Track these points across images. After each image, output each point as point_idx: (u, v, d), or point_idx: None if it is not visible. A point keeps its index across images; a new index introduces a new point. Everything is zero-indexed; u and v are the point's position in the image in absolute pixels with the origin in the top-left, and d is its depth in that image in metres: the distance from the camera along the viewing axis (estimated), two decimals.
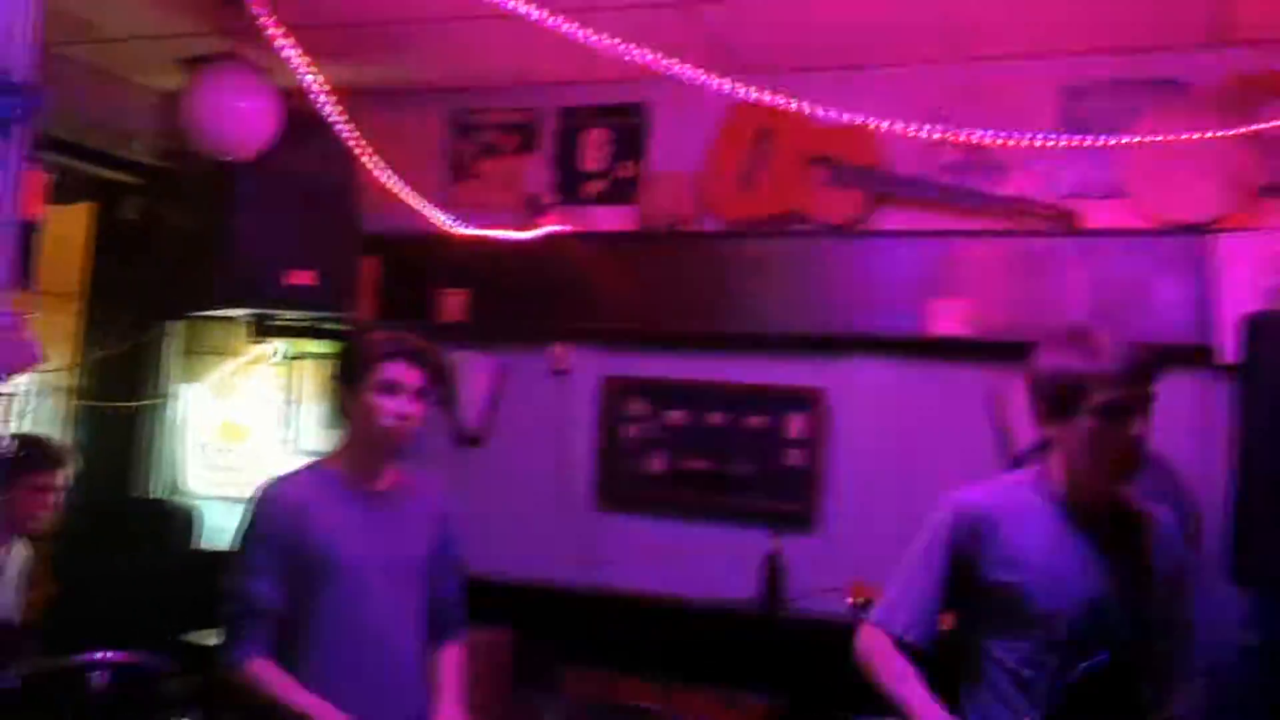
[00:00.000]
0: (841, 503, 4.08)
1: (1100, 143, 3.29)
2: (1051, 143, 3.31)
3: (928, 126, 3.11)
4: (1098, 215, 3.79)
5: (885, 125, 3.13)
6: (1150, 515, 2.34)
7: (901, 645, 2.27)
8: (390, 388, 2.54)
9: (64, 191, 4.55)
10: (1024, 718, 2.19)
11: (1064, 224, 3.79)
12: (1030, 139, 3.28)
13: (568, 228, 4.42)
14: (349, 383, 2.60)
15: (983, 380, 3.88)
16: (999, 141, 3.27)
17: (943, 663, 2.30)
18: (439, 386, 2.66)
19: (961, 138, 3.23)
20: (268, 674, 2.46)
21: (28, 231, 2.17)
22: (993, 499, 2.32)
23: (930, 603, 2.28)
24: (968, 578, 2.27)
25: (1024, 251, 3.84)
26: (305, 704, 2.42)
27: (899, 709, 2.23)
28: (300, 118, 3.96)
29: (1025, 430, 3.76)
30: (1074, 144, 3.27)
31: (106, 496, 4.80)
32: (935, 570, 2.29)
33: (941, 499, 2.37)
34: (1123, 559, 2.26)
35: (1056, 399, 2.25)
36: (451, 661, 2.71)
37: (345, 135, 3.94)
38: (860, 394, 4.08)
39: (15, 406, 4.46)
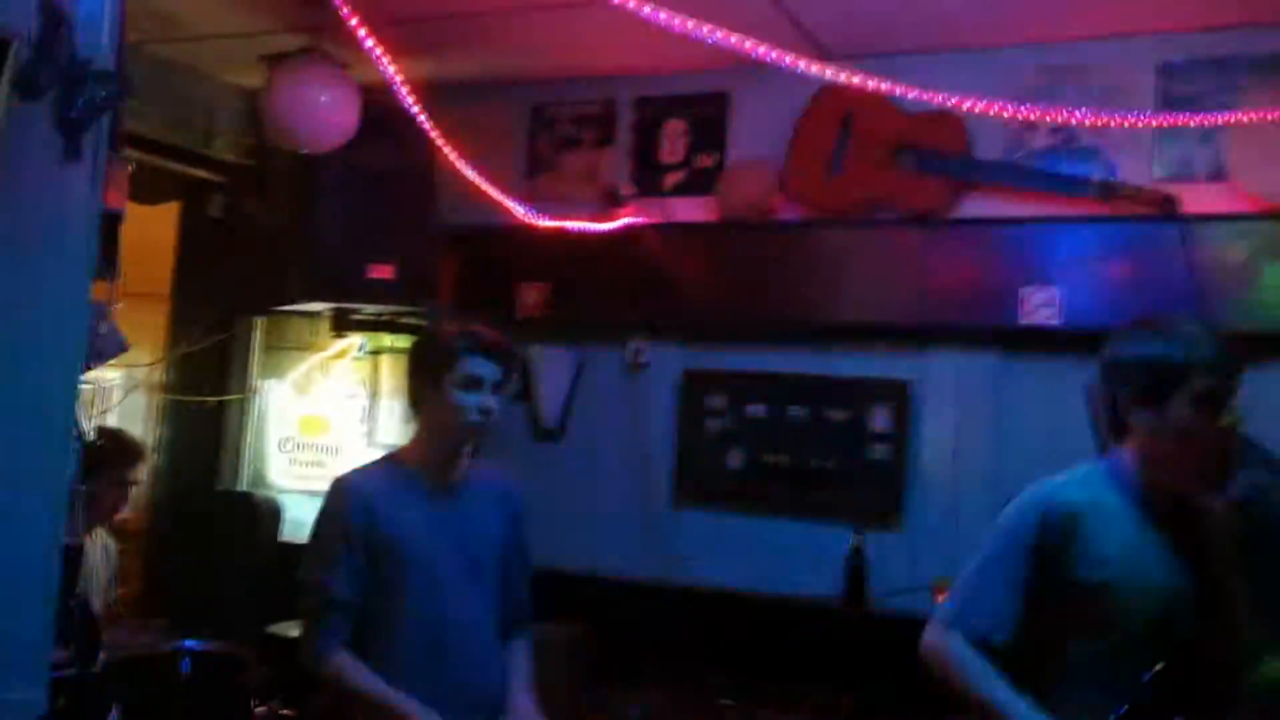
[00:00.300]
0: (928, 499, 3.98)
1: (1200, 122, 3.16)
2: (1148, 123, 3.18)
3: (1021, 106, 3.00)
4: (1198, 199, 3.63)
5: (977, 106, 3.03)
6: (1207, 507, 2.28)
7: (978, 646, 2.20)
8: (470, 383, 2.52)
9: (152, 190, 4.63)
10: (1110, 716, 2.12)
11: (1163, 209, 3.64)
12: (1126, 119, 3.15)
13: (647, 220, 4.38)
14: (426, 379, 2.58)
15: (1076, 372, 3.75)
16: (1093, 122, 3.15)
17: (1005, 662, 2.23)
18: (515, 377, 2.64)
19: (1054, 119, 3.12)
20: (348, 668, 2.45)
21: (112, 222, 2.18)
22: (1076, 493, 2.25)
23: (1010, 601, 2.20)
24: (1050, 576, 2.19)
25: (1119, 238, 3.71)
26: (388, 699, 2.40)
27: (984, 711, 2.17)
28: (380, 112, 3.98)
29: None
30: (1173, 124, 3.15)
31: (193, 490, 4.87)
32: (1017, 567, 2.21)
33: (1023, 492, 2.31)
34: (1193, 553, 2.23)
35: (1148, 386, 2.19)
36: (521, 654, 2.69)
37: (424, 129, 3.95)
38: (947, 387, 3.98)
39: (103, 400, 4.56)
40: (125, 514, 3.41)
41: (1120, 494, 2.25)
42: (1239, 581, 2.27)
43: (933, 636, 2.27)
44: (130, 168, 2.18)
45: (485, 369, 2.53)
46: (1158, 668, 2.14)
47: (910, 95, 3.10)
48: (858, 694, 3.72)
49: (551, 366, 4.57)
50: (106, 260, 2.18)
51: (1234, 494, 3.27)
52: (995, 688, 2.16)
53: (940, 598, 3.61)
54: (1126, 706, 2.14)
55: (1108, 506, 2.24)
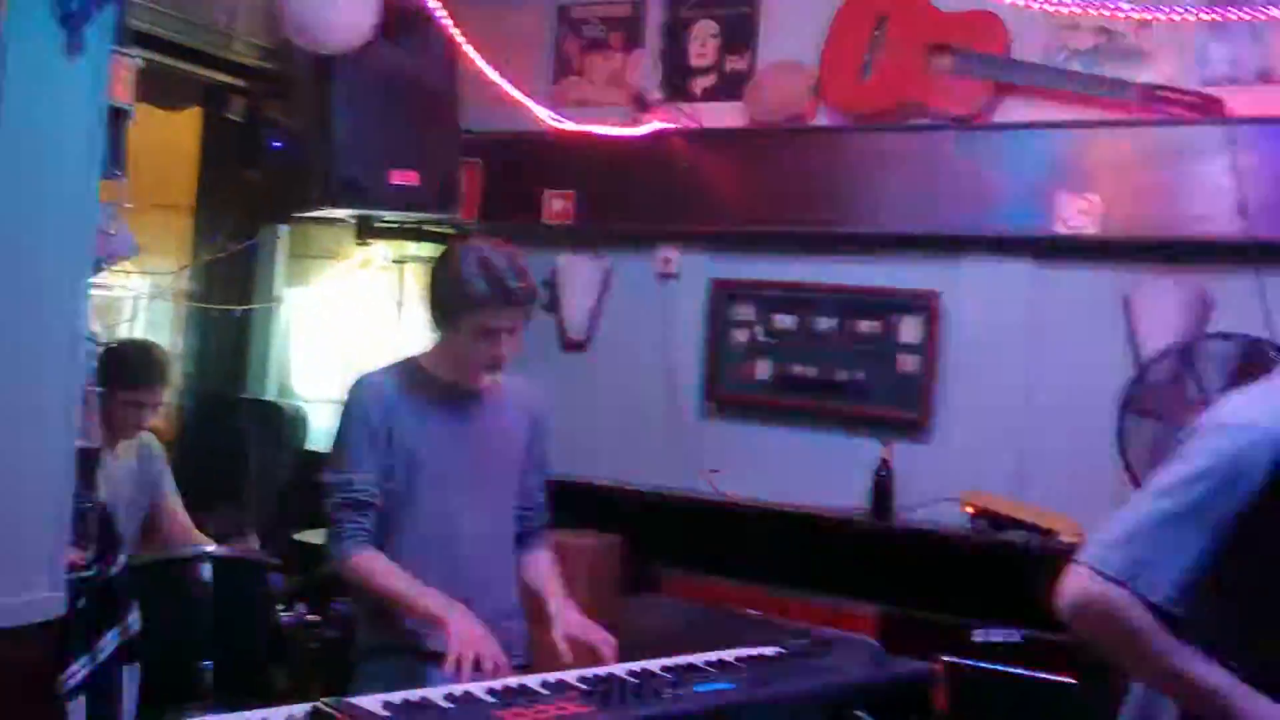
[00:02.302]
0: (957, 411, 3.92)
1: (1249, 19, 3.02)
2: (1194, 19, 3.04)
3: (1062, 3, 2.87)
4: (1245, 102, 3.50)
5: (1017, 3, 2.91)
6: None
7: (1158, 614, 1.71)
8: (488, 334, 2.46)
9: (171, 95, 4.57)
10: None
11: (1206, 112, 3.51)
12: (1171, 14, 3.01)
13: (676, 125, 4.28)
14: (443, 316, 2.51)
15: (1113, 282, 3.67)
16: (1138, 18, 3.01)
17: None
18: (534, 311, 2.54)
19: (1097, 14, 2.99)
20: (372, 565, 2.44)
21: (119, 119, 2.14)
22: None
23: (1205, 567, 1.72)
24: (1263, 533, 1.71)
25: (1161, 143, 3.59)
26: (414, 593, 2.39)
27: (1186, 691, 1.75)
28: (401, 13, 3.88)
29: (1156, 334, 3.56)
30: (1220, 21, 3.01)
31: (219, 399, 4.88)
32: (1224, 523, 1.71)
33: (1230, 419, 1.75)
34: None
35: None
36: (547, 566, 2.66)
37: (447, 31, 3.85)
38: (979, 297, 3.89)
39: (129, 309, 4.55)
40: (143, 427, 3.37)
41: None
42: None
43: (1096, 588, 1.74)
44: (139, 65, 2.11)
45: (503, 319, 2.46)
46: None
47: None
48: (885, 603, 3.71)
49: (578, 276, 4.52)
50: (115, 159, 2.14)
51: None
52: (1205, 668, 1.72)
53: (968, 510, 3.60)
54: None
55: None
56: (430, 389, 2.56)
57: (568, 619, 2.50)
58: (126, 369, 3.17)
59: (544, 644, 2.49)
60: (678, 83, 4.37)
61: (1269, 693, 1.71)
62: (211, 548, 3.02)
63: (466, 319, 2.45)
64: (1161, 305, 3.58)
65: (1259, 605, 1.77)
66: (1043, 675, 3.13)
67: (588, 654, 2.38)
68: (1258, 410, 1.75)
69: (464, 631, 2.28)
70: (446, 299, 2.50)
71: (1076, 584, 1.76)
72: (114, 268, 2.31)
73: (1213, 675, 1.71)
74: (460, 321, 2.47)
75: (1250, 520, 1.70)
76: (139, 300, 4.70)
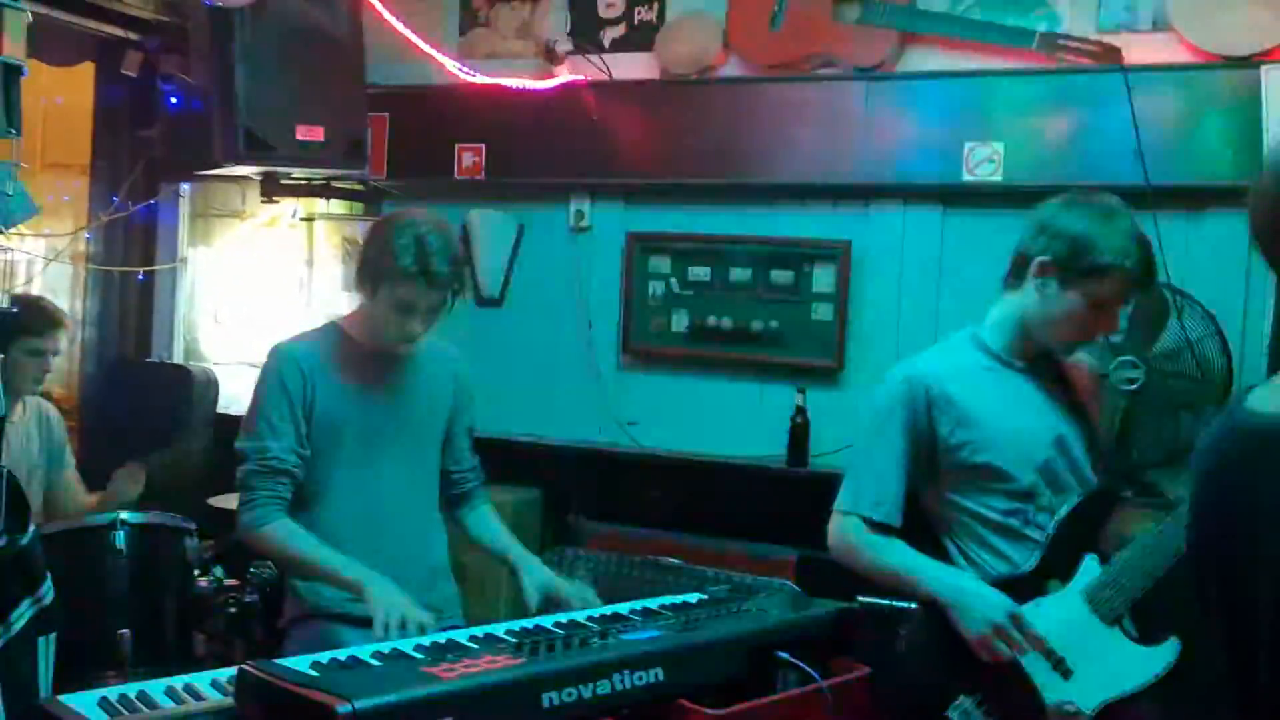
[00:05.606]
0: (870, 358, 3.98)
1: None
2: None
3: None
4: (1141, 50, 3.58)
5: None
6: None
7: (877, 527, 2.28)
8: (405, 307, 2.44)
9: (62, 50, 4.41)
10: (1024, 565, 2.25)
11: (1105, 60, 3.59)
12: None
13: (586, 77, 4.25)
14: (367, 280, 2.49)
15: (1018, 229, 3.74)
16: None
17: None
18: (456, 296, 2.52)
19: None
20: (287, 534, 2.41)
21: (10, 74, 2.06)
22: (938, 362, 2.33)
23: (897, 480, 2.28)
24: (929, 444, 2.28)
25: (1063, 91, 3.66)
26: (330, 564, 2.37)
27: (896, 581, 2.25)
28: None
29: None
30: None
31: (124, 363, 4.77)
32: (895, 444, 2.28)
33: (890, 372, 2.37)
34: (1066, 400, 2.36)
35: (1068, 264, 2.32)
36: (495, 522, 2.68)
37: None
38: (890, 245, 3.96)
39: (25, 272, 4.41)
40: (49, 387, 3.30)
41: (986, 354, 2.34)
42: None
43: (834, 526, 2.33)
44: (28, 17, 2.04)
45: (423, 297, 2.44)
46: (1062, 512, 2.24)
47: None
48: (802, 548, 3.78)
49: (491, 231, 4.48)
50: (7, 116, 2.07)
51: (1165, 345, 3.33)
52: (899, 555, 2.25)
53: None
54: (1039, 554, 2.24)
55: (973, 368, 2.32)
56: (352, 354, 2.54)
57: (536, 578, 2.52)
58: (19, 321, 3.09)
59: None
60: (587, 34, 4.33)
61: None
62: (125, 514, 2.96)
63: (387, 289, 2.44)
64: None
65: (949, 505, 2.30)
66: None
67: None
68: (921, 360, 2.34)
69: (387, 597, 2.28)
70: (373, 265, 2.48)
71: (830, 526, 2.32)
72: (10, 230, 2.24)
73: (903, 560, 2.23)
74: (381, 290, 2.45)
75: (918, 435, 2.26)
76: (34, 263, 4.56)
